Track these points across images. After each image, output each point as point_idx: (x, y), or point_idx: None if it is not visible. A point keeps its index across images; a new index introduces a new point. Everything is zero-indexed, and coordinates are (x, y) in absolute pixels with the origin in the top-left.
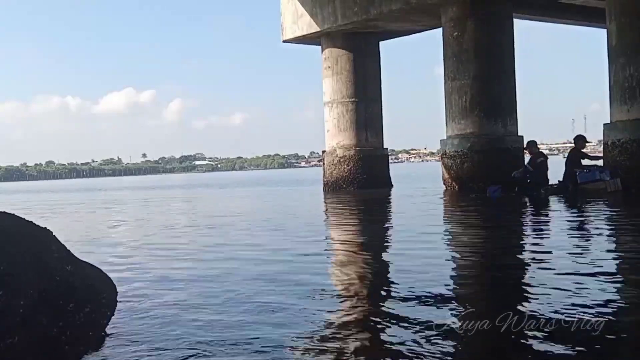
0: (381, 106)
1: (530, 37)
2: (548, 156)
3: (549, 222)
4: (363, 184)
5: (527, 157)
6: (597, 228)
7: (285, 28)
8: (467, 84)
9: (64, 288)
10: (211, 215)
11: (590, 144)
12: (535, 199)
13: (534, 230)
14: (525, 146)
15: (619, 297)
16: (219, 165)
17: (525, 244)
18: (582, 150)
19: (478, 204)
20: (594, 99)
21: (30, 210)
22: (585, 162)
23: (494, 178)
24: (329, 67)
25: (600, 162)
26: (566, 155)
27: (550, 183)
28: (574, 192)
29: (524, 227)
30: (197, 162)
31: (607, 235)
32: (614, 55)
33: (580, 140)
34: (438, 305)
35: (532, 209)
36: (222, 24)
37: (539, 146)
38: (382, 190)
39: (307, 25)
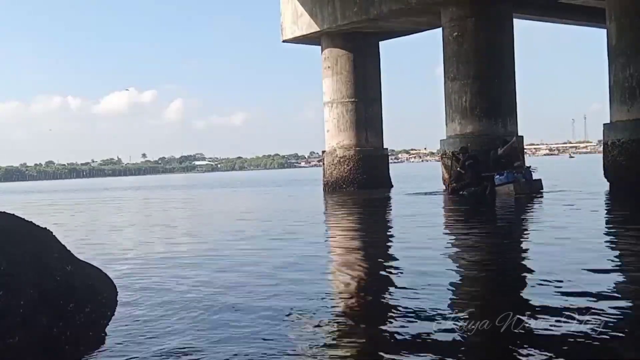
0: (381, 106)
1: (530, 37)
2: (479, 159)
3: (539, 220)
4: (363, 184)
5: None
6: (585, 225)
7: (285, 28)
8: (467, 84)
9: (64, 288)
10: (214, 215)
11: (590, 143)
12: (469, 197)
13: (529, 228)
14: (459, 151)
15: (618, 296)
16: (218, 166)
17: (522, 243)
18: (500, 151)
19: (476, 203)
20: (594, 99)
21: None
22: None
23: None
24: (328, 67)
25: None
26: (571, 156)
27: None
28: (491, 193)
29: (517, 226)
30: (197, 162)
31: (596, 233)
32: (614, 55)
33: (502, 143)
34: (438, 305)
35: (507, 208)
36: (222, 24)
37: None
38: (382, 191)
39: (306, 25)
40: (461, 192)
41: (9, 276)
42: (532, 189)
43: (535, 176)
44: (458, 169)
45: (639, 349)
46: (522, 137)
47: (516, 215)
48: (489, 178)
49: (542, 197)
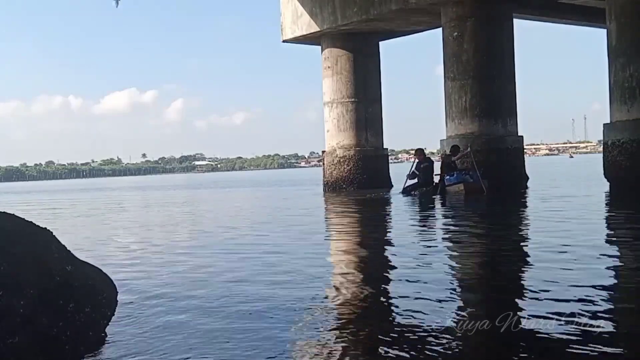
0: (381, 106)
1: (530, 37)
2: (434, 161)
3: (530, 217)
4: (363, 184)
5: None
6: (576, 225)
7: (285, 28)
8: (467, 84)
9: (64, 288)
10: (216, 215)
11: (590, 143)
12: (421, 197)
13: (526, 227)
14: (414, 152)
15: (618, 296)
16: (218, 166)
17: (522, 242)
18: (454, 157)
19: (474, 202)
20: (594, 99)
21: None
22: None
23: (494, 178)
24: (328, 67)
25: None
26: (571, 156)
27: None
28: (442, 192)
29: (511, 224)
30: (197, 162)
31: (591, 232)
32: (614, 55)
33: (455, 149)
34: (438, 305)
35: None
36: (222, 24)
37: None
38: (381, 191)
39: (306, 25)
40: (412, 193)
41: (9, 276)
42: (479, 189)
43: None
44: (415, 170)
45: None
46: (522, 137)
47: (505, 213)
48: (440, 178)
49: (489, 196)
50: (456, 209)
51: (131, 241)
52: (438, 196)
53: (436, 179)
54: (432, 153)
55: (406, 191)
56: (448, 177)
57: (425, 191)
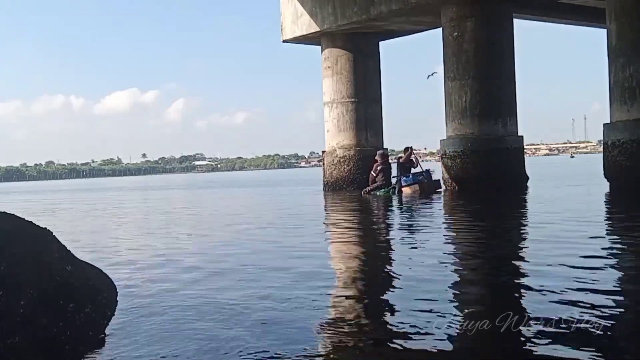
0: (381, 106)
1: (530, 37)
2: (394, 162)
3: (529, 219)
4: (363, 185)
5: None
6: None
7: (285, 28)
8: (467, 84)
9: (64, 288)
10: (217, 215)
11: (590, 143)
12: (383, 195)
13: (526, 228)
14: (380, 155)
15: (619, 296)
16: (219, 166)
17: (522, 242)
18: (410, 158)
19: (474, 202)
20: (594, 99)
21: None
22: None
23: (494, 178)
24: (328, 67)
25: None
26: (572, 156)
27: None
28: (399, 192)
29: (515, 225)
30: (197, 162)
31: (590, 231)
32: (614, 55)
33: (407, 150)
34: (438, 305)
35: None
36: (223, 23)
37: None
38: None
39: (306, 25)
40: (371, 193)
41: (10, 276)
42: (433, 189)
43: (434, 177)
44: (372, 172)
45: None
46: (522, 137)
47: (504, 213)
48: (397, 180)
49: (443, 195)
50: (452, 208)
51: (131, 242)
52: (396, 196)
53: (393, 180)
54: (432, 153)
55: (367, 192)
56: (404, 178)
57: (385, 191)
